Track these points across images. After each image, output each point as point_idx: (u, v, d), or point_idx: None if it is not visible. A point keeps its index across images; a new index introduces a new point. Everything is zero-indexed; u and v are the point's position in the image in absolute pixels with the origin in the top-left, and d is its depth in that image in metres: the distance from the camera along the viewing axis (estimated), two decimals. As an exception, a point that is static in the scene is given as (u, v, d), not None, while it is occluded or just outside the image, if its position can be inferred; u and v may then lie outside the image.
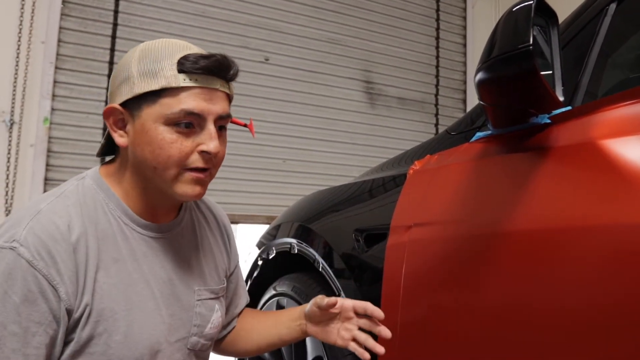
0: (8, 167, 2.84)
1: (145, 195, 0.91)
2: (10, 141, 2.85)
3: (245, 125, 1.07)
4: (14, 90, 2.87)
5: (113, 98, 0.89)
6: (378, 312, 0.97)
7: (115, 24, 3.19)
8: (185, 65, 0.85)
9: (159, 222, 0.95)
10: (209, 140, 0.86)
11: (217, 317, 1.03)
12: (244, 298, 1.19)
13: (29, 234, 0.80)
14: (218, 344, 1.16)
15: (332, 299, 0.98)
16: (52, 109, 2.98)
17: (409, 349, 1.02)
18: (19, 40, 2.91)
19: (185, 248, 1.00)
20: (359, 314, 0.99)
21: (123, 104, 0.87)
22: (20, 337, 0.78)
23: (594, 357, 0.72)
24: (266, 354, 1.56)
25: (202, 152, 0.86)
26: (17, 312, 0.78)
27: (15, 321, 0.78)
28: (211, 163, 0.88)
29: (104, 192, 0.91)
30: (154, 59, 0.86)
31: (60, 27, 3.03)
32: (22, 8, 2.92)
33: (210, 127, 0.87)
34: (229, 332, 1.16)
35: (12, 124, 2.86)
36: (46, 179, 2.94)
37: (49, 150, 2.96)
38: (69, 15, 3.07)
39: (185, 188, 0.88)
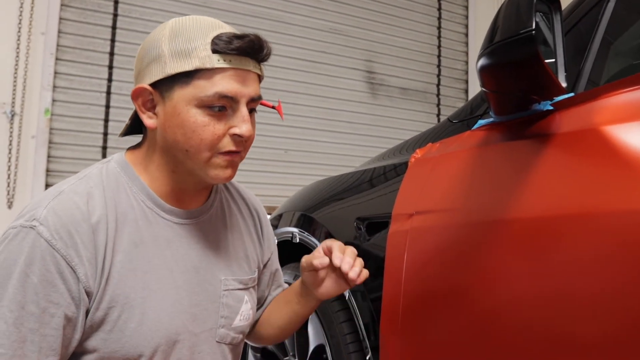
0: (9, 158, 2.84)
1: (173, 178, 0.90)
2: (11, 133, 2.86)
3: (273, 107, 1.05)
4: (15, 82, 2.87)
5: (142, 78, 0.86)
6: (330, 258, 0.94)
7: (115, 15, 3.18)
8: (219, 45, 0.82)
9: (187, 208, 0.93)
10: (241, 123, 0.84)
11: (246, 308, 0.99)
12: (281, 288, 1.15)
13: (49, 213, 0.79)
14: (248, 336, 1.12)
15: (316, 261, 0.94)
16: (53, 100, 2.98)
17: (411, 336, 1.02)
18: (19, 32, 2.90)
19: (213, 235, 0.97)
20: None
21: (153, 85, 0.84)
22: (37, 318, 0.77)
23: (594, 343, 0.72)
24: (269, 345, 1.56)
25: (234, 135, 0.85)
26: (35, 292, 0.77)
27: (33, 301, 0.77)
28: (242, 146, 0.87)
29: (127, 176, 0.89)
30: (187, 38, 0.83)
31: (60, 18, 3.03)
32: (22, -1, 2.92)
33: (243, 110, 0.85)
34: (256, 322, 1.11)
35: (13, 116, 2.86)
36: (48, 170, 2.94)
37: (50, 142, 2.97)
38: (69, 6, 3.07)
39: (216, 171, 0.86)
